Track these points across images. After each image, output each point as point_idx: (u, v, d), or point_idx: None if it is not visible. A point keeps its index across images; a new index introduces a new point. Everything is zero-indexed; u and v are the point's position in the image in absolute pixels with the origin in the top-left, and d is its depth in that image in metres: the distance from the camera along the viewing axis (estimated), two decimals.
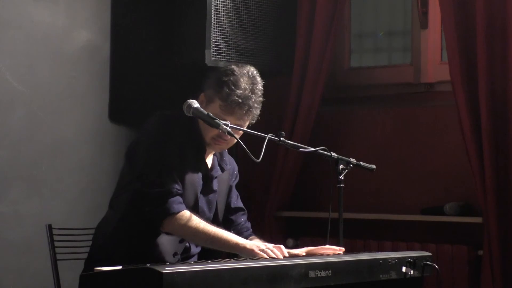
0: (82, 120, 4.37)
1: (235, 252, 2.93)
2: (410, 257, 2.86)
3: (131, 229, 3.04)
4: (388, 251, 4.03)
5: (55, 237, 3.37)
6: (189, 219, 2.95)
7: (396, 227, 4.46)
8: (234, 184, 3.35)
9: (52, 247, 3.35)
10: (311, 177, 4.73)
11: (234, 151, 4.57)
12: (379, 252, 3.06)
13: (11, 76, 4.07)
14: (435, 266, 2.91)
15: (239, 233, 3.25)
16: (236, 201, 3.36)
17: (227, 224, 3.27)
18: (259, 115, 3.19)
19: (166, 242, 3.05)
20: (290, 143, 3.16)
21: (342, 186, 3.13)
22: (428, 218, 4.34)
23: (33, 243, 4.02)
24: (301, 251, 3.05)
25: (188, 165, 3.06)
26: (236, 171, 3.37)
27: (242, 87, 3.05)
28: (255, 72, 3.15)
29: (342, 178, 3.13)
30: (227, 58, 4.36)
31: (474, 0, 4.10)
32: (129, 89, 4.57)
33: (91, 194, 4.33)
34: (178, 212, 2.95)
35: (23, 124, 4.13)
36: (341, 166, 3.13)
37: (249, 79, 3.10)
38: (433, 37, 4.57)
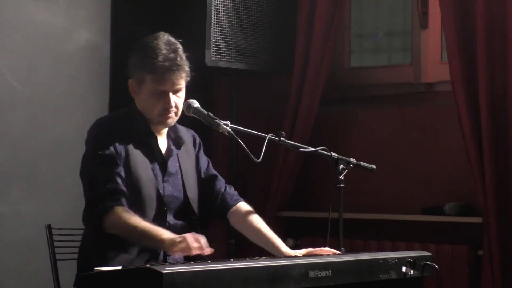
0: (82, 120, 4.36)
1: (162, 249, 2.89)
2: (410, 257, 2.86)
3: (104, 239, 2.98)
4: (388, 251, 4.02)
5: (54, 237, 3.37)
6: (121, 216, 2.88)
7: (396, 227, 4.46)
8: (200, 154, 3.26)
9: (52, 247, 3.35)
10: (311, 177, 4.73)
11: (234, 151, 4.60)
12: (379, 252, 3.05)
13: (11, 76, 4.07)
14: (435, 266, 2.91)
15: (224, 203, 3.21)
16: (207, 169, 3.26)
17: (209, 199, 3.21)
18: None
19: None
20: (290, 143, 3.16)
21: (342, 186, 3.13)
22: (428, 218, 4.34)
23: (33, 243, 4.02)
24: (300, 252, 3.03)
25: (139, 160, 3.01)
26: (197, 141, 3.27)
27: (162, 52, 3.00)
28: (166, 35, 3.08)
29: (342, 178, 3.13)
30: (227, 58, 4.36)
31: (474, 0, 4.10)
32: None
33: None
34: (111, 207, 2.89)
35: (23, 124, 4.13)
36: (341, 166, 3.13)
37: (164, 43, 3.03)
38: (433, 37, 4.56)
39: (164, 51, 3.00)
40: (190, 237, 2.72)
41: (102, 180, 2.93)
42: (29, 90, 4.14)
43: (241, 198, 3.26)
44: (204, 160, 3.26)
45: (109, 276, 2.37)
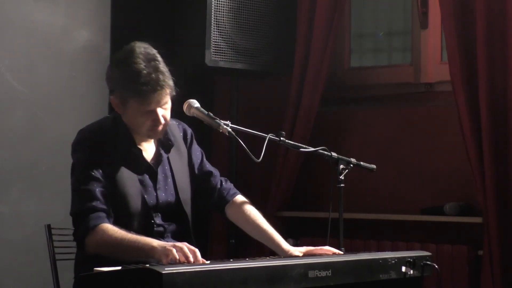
0: (82, 120, 4.35)
1: (152, 258, 2.72)
2: (410, 257, 2.86)
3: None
4: (388, 251, 4.02)
5: (54, 237, 3.36)
6: (106, 232, 2.80)
7: (396, 227, 4.46)
8: (192, 149, 3.19)
9: (52, 247, 3.35)
10: (311, 177, 4.73)
11: (234, 151, 4.60)
12: (379, 252, 3.05)
13: (11, 76, 4.07)
14: (434, 266, 2.91)
15: (221, 197, 3.17)
16: (201, 165, 3.19)
17: (205, 195, 3.17)
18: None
19: None
20: (290, 143, 3.16)
21: (342, 186, 3.13)
22: (428, 218, 4.34)
23: (33, 243, 4.02)
24: (299, 249, 3.03)
25: (125, 175, 2.95)
26: (188, 134, 3.19)
27: (143, 73, 2.87)
28: (142, 47, 2.95)
29: (342, 178, 3.12)
30: (227, 58, 4.36)
31: (474, 0, 4.10)
32: None
33: None
34: (96, 225, 2.82)
35: (23, 124, 4.13)
36: (341, 166, 3.13)
37: (142, 59, 2.91)
38: (433, 37, 4.56)
39: (145, 72, 2.88)
40: (185, 248, 2.62)
41: (84, 198, 2.88)
42: (29, 90, 4.14)
43: (238, 192, 3.23)
44: (197, 155, 3.20)
45: (109, 277, 2.37)
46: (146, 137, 3.03)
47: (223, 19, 4.35)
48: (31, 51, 4.17)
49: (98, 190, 2.89)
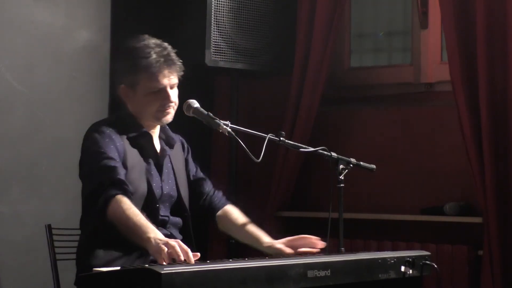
0: (82, 120, 4.36)
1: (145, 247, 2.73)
2: (409, 257, 2.86)
3: (101, 240, 2.96)
4: (388, 251, 4.02)
5: (54, 237, 3.37)
6: (121, 203, 2.80)
7: (396, 227, 4.46)
8: (189, 158, 3.28)
9: (52, 247, 3.35)
10: (311, 177, 4.73)
11: (234, 151, 4.60)
12: (378, 252, 3.05)
13: (11, 76, 4.07)
14: (434, 266, 2.91)
15: (211, 205, 3.24)
16: (196, 173, 3.28)
17: (197, 200, 3.23)
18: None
19: None
20: (290, 143, 3.16)
21: (342, 186, 3.12)
22: (428, 218, 4.34)
23: (33, 243, 4.02)
24: (281, 241, 3.05)
25: (135, 161, 3.00)
26: (186, 146, 3.29)
27: (154, 50, 3.01)
28: (150, 37, 3.09)
29: (342, 178, 3.12)
30: (227, 58, 4.36)
31: (474, 0, 4.10)
32: None
33: None
34: (114, 195, 2.82)
35: (23, 124, 4.13)
36: (341, 166, 3.12)
37: (152, 42, 3.04)
38: (433, 37, 4.57)
39: (156, 49, 3.02)
40: (177, 247, 2.61)
41: (105, 172, 2.88)
42: (29, 90, 4.14)
43: (229, 201, 3.30)
44: (193, 165, 3.29)
45: (108, 277, 2.37)
46: (155, 121, 3.07)
47: (223, 19, 4.35)
48: (31, 51, 4.17)
49: (117, 166, 2.90)
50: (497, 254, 4.03)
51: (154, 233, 2.71)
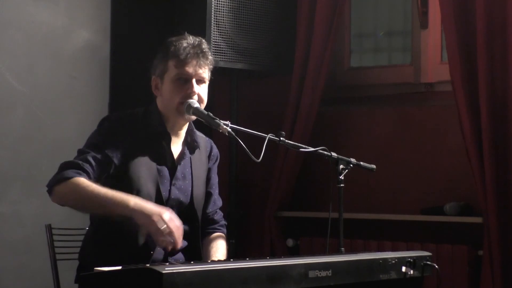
0: (82, 120, 4.37)
1: (126, 215, 2.78)
2: (410, 257, 2.86)
3: (104, 236, 2.98)
4: (388, 251, 4.02)
5: (54, 237, 3.37)
6: (80, 184, 2.81)
7: (396, 227, 4.46)
8: (213, 167, 3.24)
9: (52, 247, 3.35)
10: (311, 177, 4.73)
11: (234, 151, 4.60)
12: (379, 252, 3.04)
13: (11, 76, 4.07)
14: (435, 266, 2.90)
15: (206, 225, 3.20)
16: (213, 187, 3.23)
17: (204, 216, 3.19)
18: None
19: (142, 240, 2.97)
20: (290, 143, 3.16)
21: (342, 186, 3.13)
22: (428, 218, 4.34)
23: (33, 243, 4.02)
24: None
25: (144, 160, 2.98)
26: (214, 153, 3.25)
27: (188, 41, 3.04)
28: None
29: (342, 178, 3.12)
30: (227, 58, 4.36)
31: (474, 0, 4.11)
32: (129, 89, 4.57)
33: None
34: (71, 177, 2.83)
35: (23, 124, 4.13)
36: (341, 166, 3.12)
37: (190, 38, 3.06)
38: (433, 37, 4.57)
39: (189, 40, 3.03)
40: (175, 234, 2.72)
41: (76, 158, 2.92)
42: (29, 90, 4.14)
43: (223, 228, 3.26)
44: (214, 177, 3.25)
45: (109, 276, 2.36)
46: (178, 115, 3.04)
47: (223, 19, 4.35)
48: (31, 51, 4.17)
49: (93, 156, 2.92)
50: (497, 254, 4.03)
51: (132, 201, 2.77)
